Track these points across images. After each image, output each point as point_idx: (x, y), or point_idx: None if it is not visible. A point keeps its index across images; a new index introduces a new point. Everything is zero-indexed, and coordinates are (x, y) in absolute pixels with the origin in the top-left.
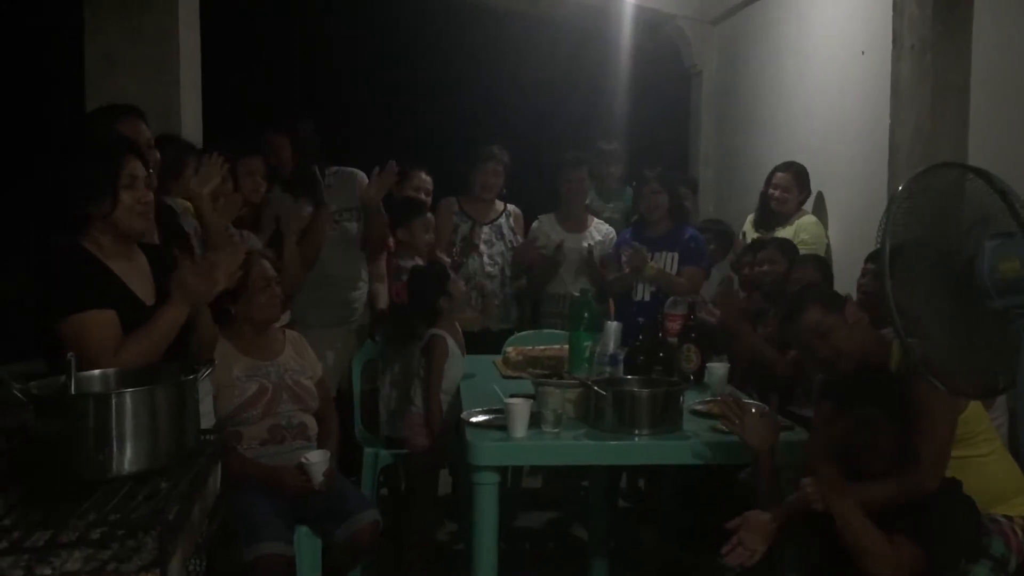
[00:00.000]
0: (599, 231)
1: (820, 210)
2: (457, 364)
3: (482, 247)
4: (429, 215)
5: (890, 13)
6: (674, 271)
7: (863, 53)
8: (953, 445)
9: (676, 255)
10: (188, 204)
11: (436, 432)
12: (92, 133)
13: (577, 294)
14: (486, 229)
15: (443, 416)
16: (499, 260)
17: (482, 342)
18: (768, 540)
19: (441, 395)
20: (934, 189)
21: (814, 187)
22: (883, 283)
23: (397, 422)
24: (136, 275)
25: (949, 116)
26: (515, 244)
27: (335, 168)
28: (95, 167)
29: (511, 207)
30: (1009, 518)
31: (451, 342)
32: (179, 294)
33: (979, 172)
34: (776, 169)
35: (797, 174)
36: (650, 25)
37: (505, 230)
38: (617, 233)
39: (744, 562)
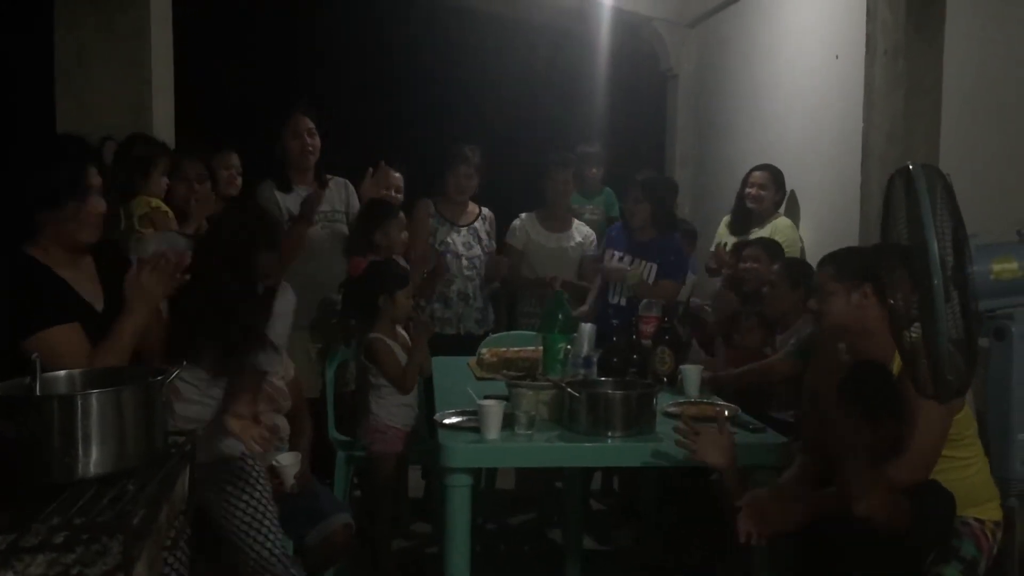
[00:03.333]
0: (580, 232)
1: (794, 213)
2: None
3: (460, 250)
4: (401, 215)
5: (864, 18)
6: (650, 280)
7: (837, 57)
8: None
9: (655, 266)
10: (156, 202)
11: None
12: (56, 138)
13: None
14: (463, 231)
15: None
16: (476, 264)
17: (458, 345)
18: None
19: (395, 400)
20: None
21: (788, 190)
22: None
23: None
24: (84, 281)
25: (921, 120)
26: (490, 248)
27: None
28: (61, 174)
29: (485, 210)
30: (980, 521)
31: (390, 343)
32: (137, 299)
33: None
34: (753, 169)
35: (774, 174)
36: (627, 28)
37: (482, 233)
38: (597, 232)
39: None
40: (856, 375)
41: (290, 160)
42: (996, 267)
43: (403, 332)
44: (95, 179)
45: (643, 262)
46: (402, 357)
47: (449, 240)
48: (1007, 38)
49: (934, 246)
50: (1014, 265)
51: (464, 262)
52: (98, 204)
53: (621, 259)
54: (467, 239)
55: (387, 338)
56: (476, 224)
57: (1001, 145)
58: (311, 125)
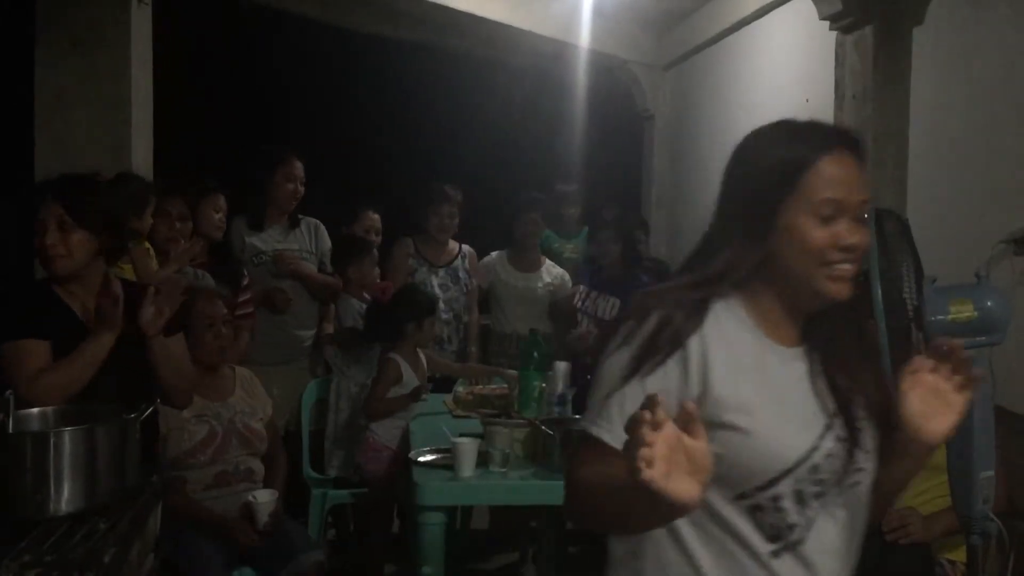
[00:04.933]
0: (550, 273)
1: None
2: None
3: (437, 292)
4: (375, 252)
5: (833, 64)
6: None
7: (807, 101)
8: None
9: (618, 302)
10: (146, 244)
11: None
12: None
13: (525, 334)
14: (441, 272)
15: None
16: (455, 306)
17: (435, 383)
18: None
19: (394, 422)
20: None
21: None
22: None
23: (348, 455)
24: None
25: (889, 163)
26: (470, 287)
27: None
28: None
29: (466, 248)
30: (953, 563)
31: (406, 368)
32: (96, 321)
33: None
34: None
35: None
36: (604, 69)
37: (461, 273)
38: (573, 272)
39: None
40: None
41: (275, 200)
42: (953, 309)
43: (423, 357)
44: (45, 214)
45: (608, 297)
46: (411, 378)
47: (427, 282)
48: (969, 85)
49: (878, 291)
50: (970, 307)
51: (441, 305)
52: (50, 238)
53: (588, 294)
54: (444, 280)
55: (404, 361)
56: (456, 263)
57: (963, 188)
58: (302, 172)
